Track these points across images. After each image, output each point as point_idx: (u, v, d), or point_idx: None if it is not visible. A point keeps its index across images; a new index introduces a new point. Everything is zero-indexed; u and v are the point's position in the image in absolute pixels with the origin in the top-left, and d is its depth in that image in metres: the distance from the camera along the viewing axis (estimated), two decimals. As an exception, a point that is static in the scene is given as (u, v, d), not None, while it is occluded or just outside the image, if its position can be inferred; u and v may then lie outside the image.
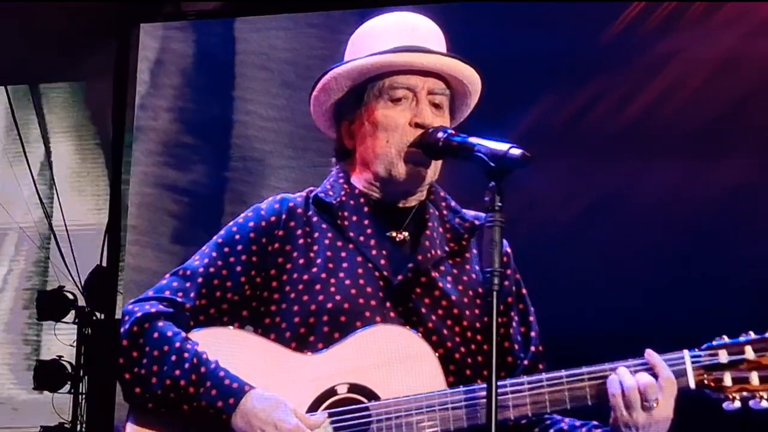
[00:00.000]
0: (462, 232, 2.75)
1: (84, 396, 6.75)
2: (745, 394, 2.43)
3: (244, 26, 6.16)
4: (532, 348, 2.75)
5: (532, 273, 2.85)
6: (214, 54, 6.20)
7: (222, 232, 2.74)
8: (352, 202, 2.73)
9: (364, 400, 2.53)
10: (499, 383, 2.34)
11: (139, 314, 2.61)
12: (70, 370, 6.80)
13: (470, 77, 2.73)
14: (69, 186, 7.51)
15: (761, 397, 2.42)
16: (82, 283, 6.87)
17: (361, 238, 2.68)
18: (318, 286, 2.63)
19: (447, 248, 2.72)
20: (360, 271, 2.65)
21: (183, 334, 2.59)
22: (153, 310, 2.62)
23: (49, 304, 6.90)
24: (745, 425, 2.95)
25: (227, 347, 2.60)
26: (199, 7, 6.33)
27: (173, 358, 2.55)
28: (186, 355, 2.55)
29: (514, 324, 2.75)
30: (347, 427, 2.52)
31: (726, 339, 2.47)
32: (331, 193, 2.75)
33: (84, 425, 6.71)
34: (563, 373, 2.50)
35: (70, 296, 6.89)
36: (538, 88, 5.45)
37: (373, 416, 2.52)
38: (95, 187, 7.45)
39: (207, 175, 6.10)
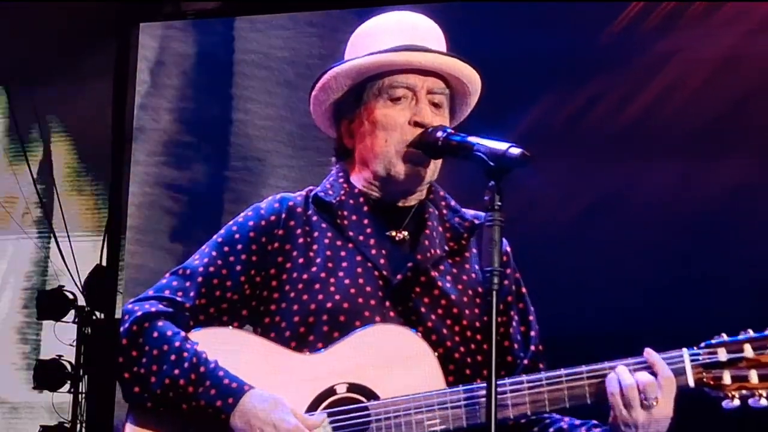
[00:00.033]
0: (461, 231, 2.75)
1: (84, 395, 6.75)
2: (744, 392, 2.43)
3: (243, 26, 6.16)
4: (532, 347, 2.75)
5: (531, 272, 2.85)
6: (213, 53, 6.21)
7: (222, 231, 2.74)
8: (351, 201, 2.73)
9: (363, 399, 2.53)
10: (498, 382, 2.33)
11: (138, 313, 2.61)
12: (69, 370, 6.79)
13: (470, 76, 2.73)
14: (69, 185, 7.51)
15: (760, 395, 2.42)
16: (82, 282, 6.87)
17: (361, 238, 2.68)
18: (317, 286, 2.63)
19: (446, 247, 2.72)
20: (359, 270, 2.65)
21: (182, 333, 2.59)
22: (153, 309, 2.62)
23: (48, 304, 6.90)
24: (744, 423, 2.95)
25: (226, 347, 2.60)
26: (199, 6, 6.33)
27: (172, 357, 2.55)
28: (185, 354, 2.55)
29: (513, 323, 2.76)
30: (346, 426, 2.52)
31: (725, 337, 2.47)
32: (330, 192, 2.75)
33: (84, 425, 6.71)
34: (562, 371, 2.50)
35: (70, 296, 6.88)
36: (537, 87, 5.45)
37: (372, 416, 2.52)
38: (95, 187, 7.45)
39: (207, 175, 6.10)
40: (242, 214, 2.75)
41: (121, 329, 2.61)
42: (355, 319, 2.59)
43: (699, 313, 4.70)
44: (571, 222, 5.28)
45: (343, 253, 2.67)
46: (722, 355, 2.45)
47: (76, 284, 6.96)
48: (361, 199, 2.73)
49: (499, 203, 2.37)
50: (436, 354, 2.57)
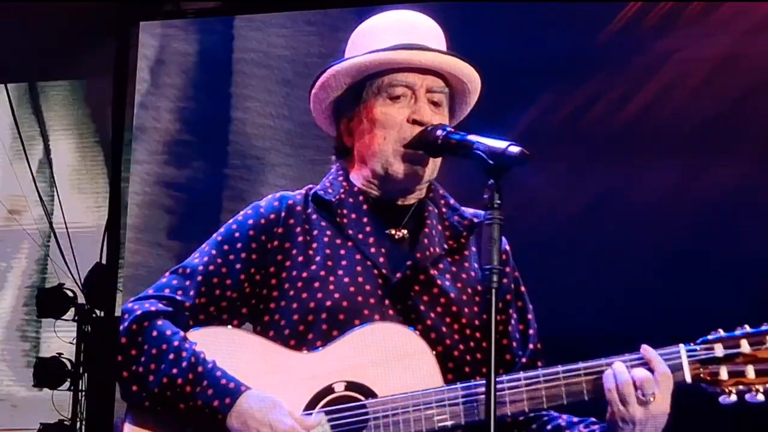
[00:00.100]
0: (461, 229, 2.75)
1: (84, 393, 6.75)
2: (741, 387, 2.43)
3: (243, 24, 6.17)
4: (531, 346, 2.75)
5: (530, 271, 2.86)
6: (213, 52, 6.21)
7: (222, 230, 2.75)
8: (351, 199, 2.73)
9: (362, 397, 2.54)
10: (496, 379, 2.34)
11: (138, 312, 2.61)
12: (69, 368, 6.80)
13: (469, 75, 2.74)
14: (69, 184, 7.52)
15: (757, 391, 2.42)
16: (82, 280, 6.87)
17: (360, 236, 2.68)
18: (317, 284, 2.63)
19: (446, 246, 2.73)
20: (359, 268, 2.65)
21: (181, 333, 2.59)
22: (152, 308, 2.62)
23: (48, 302, 6.90)
24: (741, 419, 2.95)
25: (225, 346, 2.60)
26: (199, 5, 6.33)
27: (171, 356, 2.55)
28: (184, 354, 2.55)
29: (512, 321, 2.76)
30: (345, 425, 2.52)
31: (721, 333, 2.47)
32: (330, 190, 2.75)
33: (84, 422, 6.72)
34: (559, 368, 2.50)
35: (70, 294, 6.90)
36: (537, 86, 5.45)
37: (371, 414, 2.52)
38: (95, 185, 7.46)
39: (206, 173, 6.10)
40: (242, 213, 2.76)
41: (121, 328, 2.61)
42: (355, 317, 2.59)
43: (699, 314, 4.69)
44: (570, 221, 5.28)
45: (342, 252, 2.67)
46: (719, 350, 2.45)
47: (76, 282, 6.97)
48: (361, 198, 2.73)
49: (499, 201, 2.37)
50: (435, 352, 2.57)
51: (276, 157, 5.98)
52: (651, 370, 2.45)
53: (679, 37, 5.35)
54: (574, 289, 5.10)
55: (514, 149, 2.42)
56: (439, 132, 2.62)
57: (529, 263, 2.87)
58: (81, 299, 6.86)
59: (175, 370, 2.54)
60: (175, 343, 2.56)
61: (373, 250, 2.67)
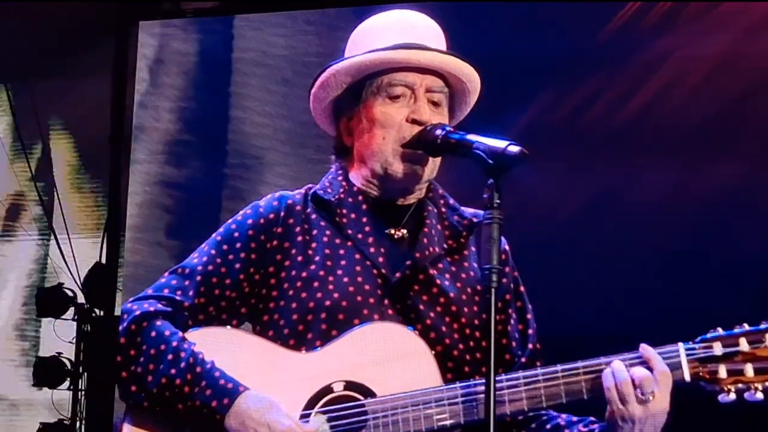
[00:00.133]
0: (460, 229, 2.75)
1: (83, 392, 6.76)
2: (740, 386, 2.43)
3: (242, 24, 6.17)
4: (530, 345, 2.75)
5: (530, 271, 2.85)
6: (212, 52, 6.22)
7: (221, 229, 2.74)
8: (350, 199, 2.73)
9: (361, 397, 2.53)
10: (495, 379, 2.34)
11: (137, 313, 2.61)
12: (69, 367, 6.80)
13: (469, 75, 2.73)
14: (68, 183, 7.52)
15: (756, 389, 2.42)
16: (82, 280, 6.88)
17: (360, 236, 2.68)
18: (316, 284, 2.63)
19: (445, 245, 2.72)
20: (358, 268, 2.65)
21: (180, 333, 2.59)
22: (151, 308, 2.62)
23: (48, 301, 6.91)
24: (740, 417, 2.95)
25: (224, 347, 2.60)
26: (198, 5, 6.34)
27: (169, 356, 2.55)
28: (182, 354, 2.55)
29: (512, 321, 2.76)
30: (344, 424, 2.52)
31: (720, 331, 2.47)
32: (329, 190, 2.75)
33: (83, 422, 6.72)
34: (559, 367, 2.50)
35: (70, 293, 6.90)
36: (536, 86, 5.46)
37: (370, 413, 2.51)
38: (94, 185, 7.46)
39: (205, 172, 6.11)
40: (241, 213, 2.75)
41: (120, 328, 2.61)
42: (354, 317, 2.59)
43: (698, 313, 4.69)
44: (569, 220, 5.28)
45: (341, 251, 2.67)
46: (718, 349, 2.45)
47: (75, 282, 6.97)
48: (360, 197, 2.73)
49: (498, 201, 2.37)
50: (434, 352, 2.57)
51: (275, 156, 5.99)
52: (650, 369, 2.45)
53: (679, 36, 5.36)
54: (573, 289, 5.10)
55: (514, 149, 2.42)
56: (438, 131, 2.62)
57: (528, 263, 2.87)
58: (81, 299, 6.87)
59: (173, 371, 2.54)
60: (174, 344, 2.56)
61: (372, 249, 2.66)
